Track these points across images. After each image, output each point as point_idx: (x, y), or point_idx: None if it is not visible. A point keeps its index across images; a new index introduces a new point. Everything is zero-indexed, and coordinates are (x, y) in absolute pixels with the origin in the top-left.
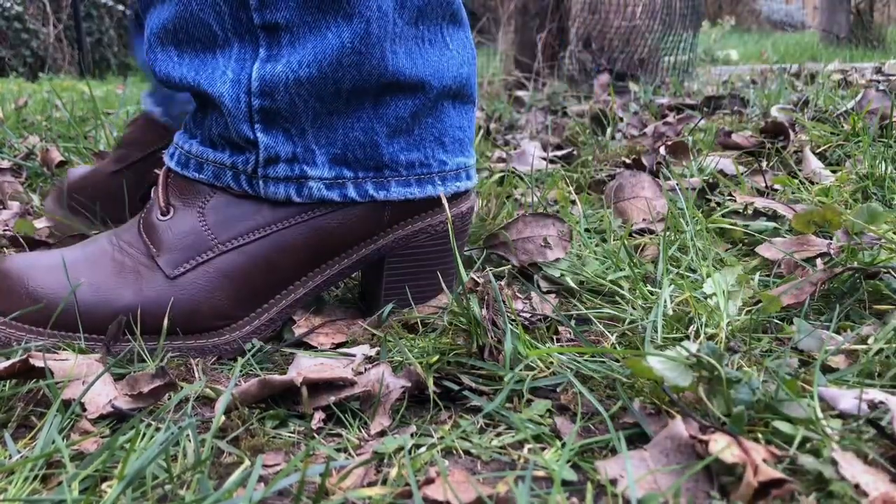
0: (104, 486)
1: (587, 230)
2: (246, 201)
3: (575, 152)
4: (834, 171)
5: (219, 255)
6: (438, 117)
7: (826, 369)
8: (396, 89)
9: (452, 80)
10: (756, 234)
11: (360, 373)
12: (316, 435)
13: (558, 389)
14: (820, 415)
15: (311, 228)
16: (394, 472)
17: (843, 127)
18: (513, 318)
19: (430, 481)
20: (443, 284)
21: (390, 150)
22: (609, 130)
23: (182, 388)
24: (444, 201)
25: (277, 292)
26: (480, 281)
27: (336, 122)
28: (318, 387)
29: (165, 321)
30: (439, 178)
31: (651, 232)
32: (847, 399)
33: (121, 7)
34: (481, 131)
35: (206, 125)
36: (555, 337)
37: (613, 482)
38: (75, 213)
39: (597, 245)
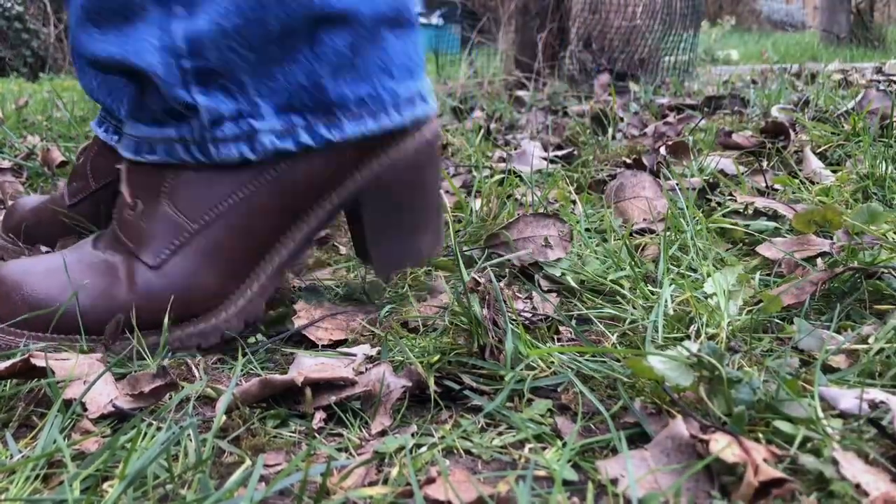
0: (105, 485)
1: (587, 230)
2: (206, 173)
3: (575, 152)
4: (834, 171)
5: (194, 235)
6: (380, 47)
7: (827, 369)
8: (328, 23)
9: (386, 5)
10: (756, 235)
11: (361, 372)
12: (317, 434)
13: (559, 389)
14: (821, 414)
15: (277, 186)
16: (395, 471)
17: (843, 127)
18: (514, 317)
19: (431, 481)
20: (426, 219)
21: (337, 89)
22: (610, 130)
23: (183, 387)
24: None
25: (261, 258)
26: (481, 280)
27: (274, 69)
28: (319, 386)
29: (167, 317)
30: (394, 108)
31: (652, 232)
32: (848, 399)
33: None
34: (482, 131)
35: (147, 104)
36: (555, 337)
37: (614, 482)
38: (31, 244)
39: (597, 245)
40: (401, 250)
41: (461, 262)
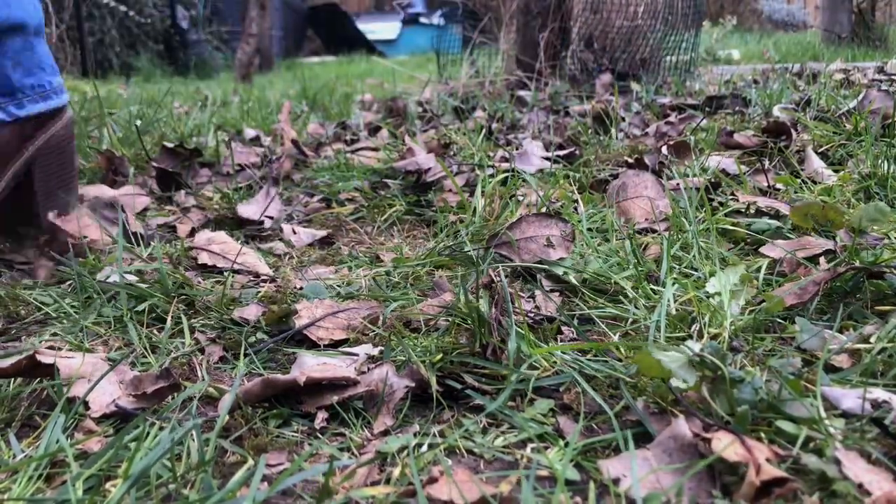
0: (108, 485)
1: (589, 229)
2: None
3: (577, 152)
4: (836, 171)
5: None
6: (35, 49)
7: (829, 369)
8: (10, 31)
9: (37, 18)
10: (758, 235)
11: (363, 372)
12: (319, 434)
13: (561, 389)
14: (823, 414)
15: None
16: (397, 471)
17: (845, 126)
18: (520, 318)
19: (433, 480)
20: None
21: (17, 78)
22: (613, 130)
23: (186, 387)
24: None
25: None
26: (496, 279)
27: None
28: (322, 386)
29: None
30: (53, 94)
31: (654, 231)
32: (850, 398)
33: (123, 7)
34: (483, 131)
35: None
36: (558, 336)
37: (616, 481)
38: None
39: (599, 244)
40: (65, 203)
41: (477, 260)
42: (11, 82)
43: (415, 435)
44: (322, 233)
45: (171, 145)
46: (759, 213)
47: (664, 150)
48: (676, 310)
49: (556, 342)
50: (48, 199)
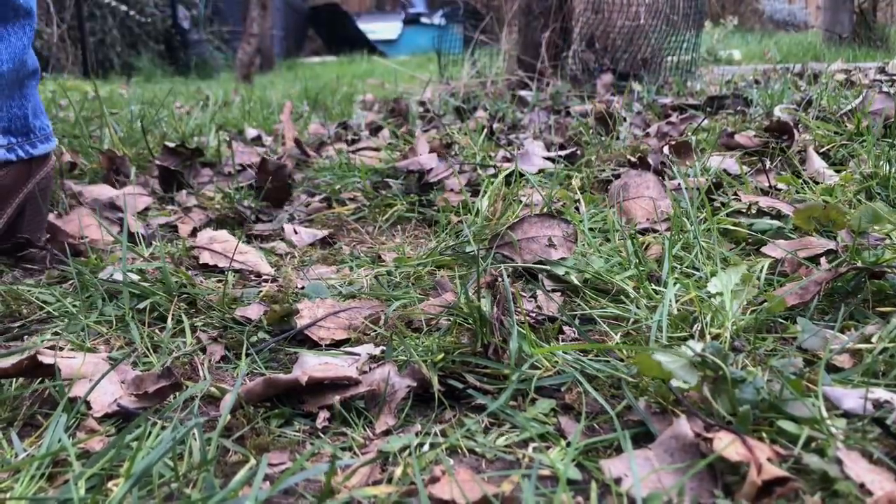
0: (110, 484)
1: (591, 229)
2: None
3: (578, 152)
4: (838, 171)
5: None
6: (35, 95)
7: (831, 368)
8: (31, 76)
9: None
10: (759, 235)
11: (365, 372)
12: (321, 434)
13: (563, 389)
14: (825, 414)
15: None
16: (399, 470)
17: (846, 126)
18: (521, 318)
19: (435, 480)
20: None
21: (31, 119)
22: (619, 128)
23: (187, 387)
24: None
25: None
26: (498, 279)
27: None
28: (323, 386)
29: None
30: (52, 136)
31: (655, 231)
32: (852, 398)
33: (124, 7)
34: (485, 131)
35: None
36: (559, 336)
37: (618, 481)
38: None
39: (601, 244)
40: (44, 225)
41: (479, 259)
42: (28, 123)
43: (416, 434)
44: (323, 232)
45: (172, 145)
46: (761, 213)
47: (665, 150)
48: (678, 310)
49: (558, 342)
50: (34, 227)
